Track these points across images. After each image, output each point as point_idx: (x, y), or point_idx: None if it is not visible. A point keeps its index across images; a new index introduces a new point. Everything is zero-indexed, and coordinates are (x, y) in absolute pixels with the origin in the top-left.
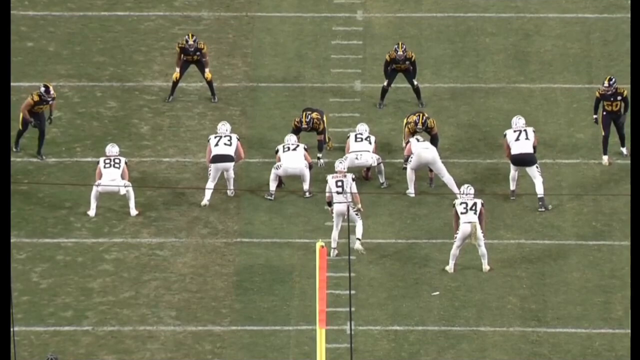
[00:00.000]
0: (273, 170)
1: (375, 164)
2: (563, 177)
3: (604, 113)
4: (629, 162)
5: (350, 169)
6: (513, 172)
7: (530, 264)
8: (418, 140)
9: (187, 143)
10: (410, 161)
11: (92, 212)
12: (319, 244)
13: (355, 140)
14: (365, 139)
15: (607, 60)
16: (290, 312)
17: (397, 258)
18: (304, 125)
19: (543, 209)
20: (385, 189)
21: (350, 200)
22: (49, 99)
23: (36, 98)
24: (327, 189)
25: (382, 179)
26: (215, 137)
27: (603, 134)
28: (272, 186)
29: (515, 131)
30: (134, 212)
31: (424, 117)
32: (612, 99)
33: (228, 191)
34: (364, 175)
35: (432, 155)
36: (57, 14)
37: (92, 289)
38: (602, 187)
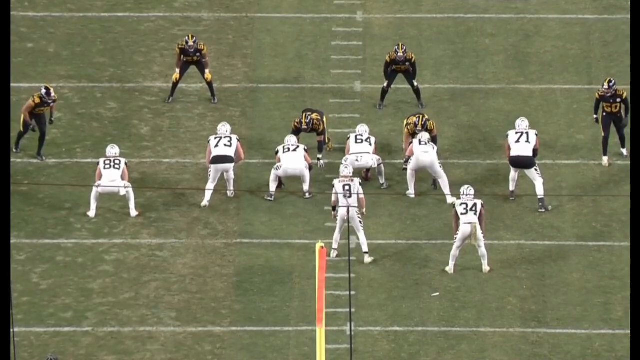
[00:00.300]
0: (273, 171)
1: (376, 165)
2: (563, 178)
3: (604, 114)
4: (629, 163)
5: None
6: (513, 173)
7: (530, 265)
8: (420, 142)
9: (187, 144)
10: (410, 162)
11: (92, 213)
12: (319, 244)
13: (356, 142)
14: (366, 140)
15: (607, 61)
16: (290, 313)
17: (397, 259)
18: (304, 126)
19: (543, 210)
20: (385, 189)
21: (355, 204)
22: (50, 101)
23: (37, 100)
24: (334, 192)
25: (382, 180)
26: (215, 138)
27: (603, 134)
28: (272, 187)
29: (517, 133)
30: (134, 213)
31: (424, 119)
32: (611, 101)
33: (228, 192)
34: (364, 176)
35: (430, 159)
36: (57, 15)
37: (92, 289)
38: (602, 188)
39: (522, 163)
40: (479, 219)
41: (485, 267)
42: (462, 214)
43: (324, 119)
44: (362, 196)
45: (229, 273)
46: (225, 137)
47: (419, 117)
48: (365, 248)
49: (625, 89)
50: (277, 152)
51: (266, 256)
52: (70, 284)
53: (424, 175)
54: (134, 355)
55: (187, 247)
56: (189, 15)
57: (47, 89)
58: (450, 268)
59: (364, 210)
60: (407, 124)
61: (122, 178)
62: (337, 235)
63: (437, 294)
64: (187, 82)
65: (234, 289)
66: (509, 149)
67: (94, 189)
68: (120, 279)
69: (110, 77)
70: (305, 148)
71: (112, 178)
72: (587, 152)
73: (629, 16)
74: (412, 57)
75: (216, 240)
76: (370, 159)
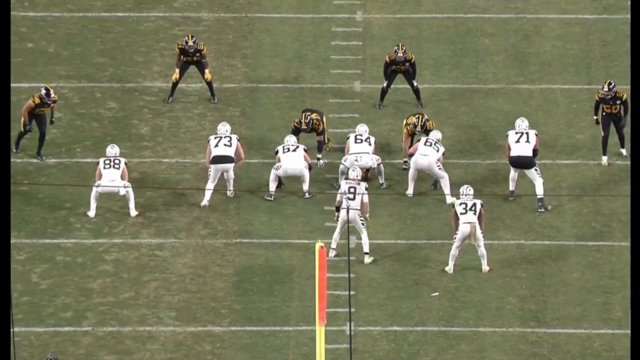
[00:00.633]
0: (273, 171)
1: (375, 165)
2: (562, 178)
3: (604, 114)
4: (629, 162)
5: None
6: (513, 172)
7: (529, 265)
8: (426, 143)
9: (187, 144)
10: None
11: (92, 213)
12: (319, 244)
13: (355, 142)
14: (365, 140)
15: (607, 61)
16: (290, 313)
17: (396, 259)
18: (304, 126)
19: (542, 210)
20: (385, 189)
21: (356, 207)
22: (50, 102)
23: (37, 101)
24: (338, 193)
25: (381, 180)
26: (215, 138)
27: (602, 134)
28: (272, 187)
29: (517, 133)
30: (133, 212)
31: (424, 119)
32: (611, 103)
33: (228, 192)
34: (363, 176)
35: (428, 162)
36: (57, 15)
37: (92, 289)
38: (601, 188)
39: (522, 163)
40: (479, 218)
41: (485, 267)
42: (461, 213)
43: (324, 119)
44: (366, 201)
45: (229, 273)
46: (225, 137)
47: (419, 117)
48: (366, 249)
49: (625, 89)
50: (276, 152)
51: (266, 256)
52: (70, 283)
53: (424, 175)
54: (133, 355)
55: (187, 246)
56: (189, 15)
57: (47, 89)
58: (449, 268)
59: (367, 215)
60: (407, 124)
61: (122, 178)
62: (336, 235)
63: (437, 293)
64: (187, 82)
65: (234, 289)
66: (509, 149)
67: (94, 188)
68: (120, 279)
69: (110, 77)
70: (305, 148)
71: (112, 178)
72: (587, 152)
73: (629, 16)
74: (412, 58)
75: (216, 240)
76: (370, 159)
